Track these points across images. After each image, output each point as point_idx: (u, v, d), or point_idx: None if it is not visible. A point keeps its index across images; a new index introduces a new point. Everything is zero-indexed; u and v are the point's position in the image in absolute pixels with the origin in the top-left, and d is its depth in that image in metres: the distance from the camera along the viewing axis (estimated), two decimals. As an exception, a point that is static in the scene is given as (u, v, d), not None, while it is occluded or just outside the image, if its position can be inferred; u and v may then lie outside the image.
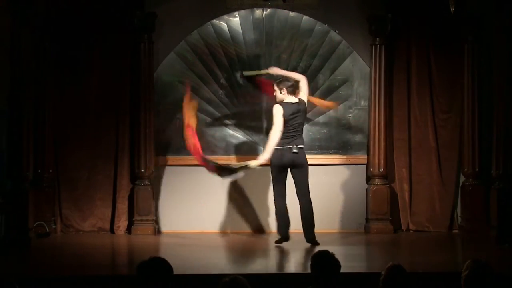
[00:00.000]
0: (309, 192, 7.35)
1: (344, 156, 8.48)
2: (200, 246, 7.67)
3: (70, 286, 5.73)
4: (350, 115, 8.54)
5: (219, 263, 6.81)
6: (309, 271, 4.19)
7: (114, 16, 8.27)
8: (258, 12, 8.48)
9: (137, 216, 8.24)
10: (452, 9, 6.86)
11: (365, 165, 8.48)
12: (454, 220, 8.48)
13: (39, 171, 8.06)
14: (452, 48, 8.40)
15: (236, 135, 8.50)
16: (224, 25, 8.46)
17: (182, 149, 8.44)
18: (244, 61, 8.45)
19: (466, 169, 8.37)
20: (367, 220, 8.43)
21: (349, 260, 6.30)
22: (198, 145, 7.37)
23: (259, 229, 8.37)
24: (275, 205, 7.42)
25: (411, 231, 8.39)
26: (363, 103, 8.52)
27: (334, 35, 8.47)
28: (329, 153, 8.43)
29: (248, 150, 8.44)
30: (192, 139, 7.35)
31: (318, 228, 8.20)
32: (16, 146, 7.51)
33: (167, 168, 8.44)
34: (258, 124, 8.47)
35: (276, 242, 7.38)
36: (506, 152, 7.73)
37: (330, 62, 8.49)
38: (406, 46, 8.44)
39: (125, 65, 8.34)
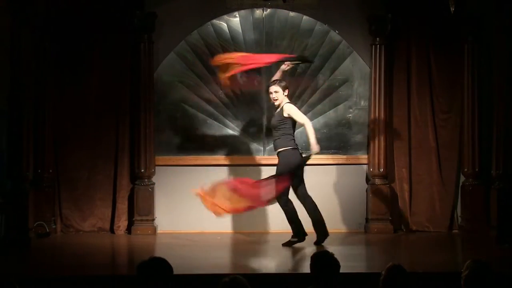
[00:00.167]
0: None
1: (344, 156, 8.48)
2: (200, 246, 7.67)
3: (70, 286, 5.73)
4: (350, 115, 8.54)
5: (219, 263, 6.81)
6: (309, 271, 4.19)
7: (114, 16, 8.27)
8: (258, 12, 8.48)
9: (137, 216, 8.25)
10: (452, 9, 6.87)
11: (365, 165, 8.48)
12: (454, 220, 8.48)
13: (39, 171, 8.07)
14: (452, 48, 8.40)
15: (236, 135, 8.49)
16: (224, 25, 8.46)
17: (182, 149, 8.45)
18: (244, 61, 8.46)
19: (466, 169, 8.37)
20: (367, 220, 8.43)
21: (349, 260, 6.30)
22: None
23: (259, 229, 8.35)
24: (312, 203, 7.38)
25: (411, 231, 8.39)
26: (363, 103, 8.52)
27: (334, 35, 8.47)
28: (329, 153, 8.43)
29: (248, 150, 8.44)
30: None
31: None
32: (16, 146, 7.51)
33: (167, 168, 8.43)
34: (258, 124, 8.47)
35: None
36: (506, 152, 7.73)
37: (330, 62, 8.49)
38: (406, 46, 8.44)
39: (125, 65, 8.34)
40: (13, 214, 7.40)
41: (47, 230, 7.99)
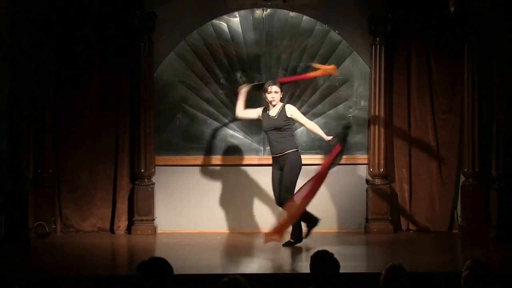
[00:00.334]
0: None
1: (344, 156, 8.44)
2: (200, 246, 7.66)
3: (70, 286, 5.73)
4: (350, 115, 8.54)
5: (219, 263, 6.82)
6: (309, 271, 4.19)
7: (114, 16, 8.27)
8: (258, 12, 8.48)
9: (137, 216, 8.25)
10: (452, 9, 6.86)
11: (365, 165, 8.48)
12: (454, 220, 8.48)
13: (39, 171, 8.07)
14: (452, 48, 8.40)
15: (236, 135, 8.49)
16: (224, 25, 8.46)
17: (182, 149, 8.45)
18: (244, 61, 8.46)
19: (466, 169, 8.37)
20: (367, 220, 8.43)
21: (349, 260, 6.30)
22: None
23: (259, 229, 8.36)
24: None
25: (411, 231, 8.39)
26: (363, 103, 8.52)
27: (334, 35, 8.47)
28: (329, 153, 8.41)
29: (248, 150, 8.44)
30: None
31: (319, 227, 8.21)
32: (16, 146, 7.51)
33: (167, 168, 8.43)
34: (258, 124, 8.46)
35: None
36: (506, 152, 7.73)
37: (330, 62, 8.46)
38: (406, 46, 8.45)
39: (125, 65, 8.34)
40: (13, 214, 7.41)
41: (47, 230, 7.99)
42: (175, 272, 3.92)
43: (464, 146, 8.38)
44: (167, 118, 8.45)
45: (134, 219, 8.26)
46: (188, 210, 8.40)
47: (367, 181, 8.49)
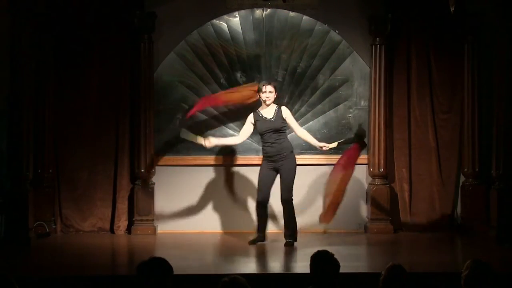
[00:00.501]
0: None
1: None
2: (200, 246, 7.67)
3: (70, 286, 5.74)
4: (350, 115, 8.53)
5: (219, 263, 6.82)
6: (309, 271, 4.19)
7: (114, 16, 8.27)
8: (258, 12, 8.48)
9: (137, 216, 8.25)
10: (452, 9, 6.86)
11: (365, 165, 8.47)
12: (454, 220, 8.47)
13: (39, 171, 8.07)
14: (452, 48, 8.40)
15: (236, 135, 8.47)
16: (224, 25, 8.46)
17: (182, 149, 8.45)
18: (244, 61, 8.46)
19: (466, 169, 8.37)
20: (367, 220, 8.43)
21: (349, 260, 6.31)
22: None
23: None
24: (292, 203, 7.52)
25: (411, 231, 8.38)
26: (363, 103, 8.52)
27: (334, 35, 8.47)
28: (329, 153, 8.41)
29: (248, 150, 8.43)
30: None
31: (319, 227, 8.23)
32: (16, 146, 7.52)
33: (167, 168, 8.43)
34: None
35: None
36: (506, 152, 7.73)
37: (330, 62, 8.48)
38: (406, 46, 8.44)
39: (125, 65, 8.34)
40: (13, 214, 7.42)
41: (47, 230, 7.99)
42: (175, 272, 3.92)
43: (464, 146, 8.38)
44: (167, 118, 8.44)
45: (134, 219, 8.26)
46: (188, 210, 8.40)
47: (367, 181, 8.49)
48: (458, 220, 8.47)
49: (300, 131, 7.67)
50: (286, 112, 7.52)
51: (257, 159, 8.39)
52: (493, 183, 7.96)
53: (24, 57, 7.54)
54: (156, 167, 8.35)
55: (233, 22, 8.46)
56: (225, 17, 8.45)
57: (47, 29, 8.10)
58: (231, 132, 8.45)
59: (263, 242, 7.48)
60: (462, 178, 8.45)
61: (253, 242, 7.46)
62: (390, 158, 8.44)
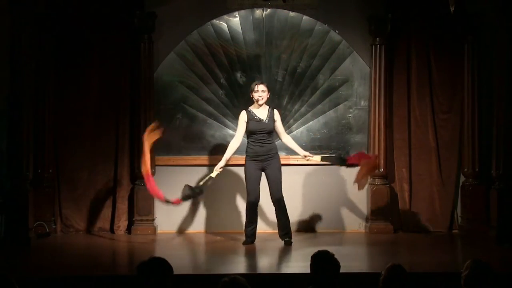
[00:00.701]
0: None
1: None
2: (200, 246, 7.66)
3: (70, 286, 5.74)
4: (350, 115, 8.54)
5: (219, 263, 6.81)
6: (309, 271, 4.19)
7: (114, 16, 8.27)
8: (258, 12, 8.48)
9: (137, 216, 8.25)
10: (452, 9, 6.86)
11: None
12: (454, 220, 8.48)
13: (39, 171, 8.07)
14: (452, 48, 8.40)
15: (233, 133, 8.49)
16: (224, 25, 8.46)
17: (182, 149, 8.46)
18: (244, 61, 8.46)
19: (466, 169, 8.37)
20: (367, 220, 8.44)
21: (349, 260, 6.30)
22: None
23: (259, 229, 8.35)
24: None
25: (411, 231, 8.38)
26: (363, 103, 8.52)
27: (334, 35, 8.47)
28: (329, 153, 8.42)
29: (248, 150, 8.43)
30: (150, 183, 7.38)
31: (319, 228, 8.24)
32: (16, 146, 7.52)
33: (167, 168, 8.43)
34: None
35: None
36: (506, 152, 7.73)
37: (330, 62, 8.49)
38: (406, 46, 8.44)
39: (125, 65, 8.35)
40: (13, 214, 7.41)
41: (47, 230, 7.99)
42: (175, 272, 3.92)
43: (464, 146, 8.38)
44: (167, 118, 8.44)
45: (134, 219, 8.26)
46: (188, 210, 8.40)
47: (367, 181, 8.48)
48: (458, 220, 8.47)
49: (286, 138, 7.70)
50: (278, 116, 7.58)
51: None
52: (493, 183, 7.96)
53: (24, 57, 7.54)
54: (156, 167, 8.35)
55: (233, 22, 8.47)
56: (225, 17, 8.45)
57: (47, 29, 8.11)
58: (231, 132, 8.45)
59: (255, 243, 7.49)
60: (462, 178, 8.45)
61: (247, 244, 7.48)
62: (390, 158, 8.44)
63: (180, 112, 8.47)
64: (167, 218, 8.40)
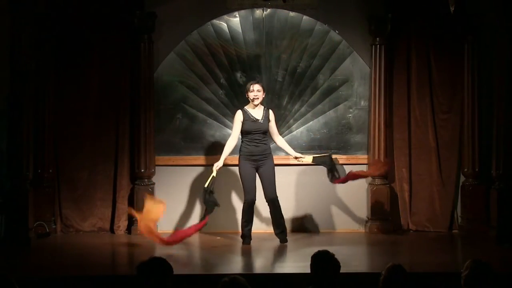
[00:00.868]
0: None
1: (344, 156, 8.47)
2: (200, 246, 7.66)
3: (70, 286, 5.74)
4: (350, 115, 8.54)
5: (219, 263, 6.81)
6: (309, 271, 4.19)
7: (114, 16, 8.27)
8: (258, 12, 8.48)
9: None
10: (452, 9, 6.86)
11: (365, 165, 8.47)
12: (454, 220, 8.47)
13: (39, 171, 8.07)
14: (452, 48, 8.40)
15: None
16: (224, 25, 8.46)
17: (182, 149, 8.46)
18: (244, 61, 8.46)
19: (466, 169, 8.37)
20: (367, 220, 8.43)
21: (349, 260, 6.30)
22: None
23: (258, 229, 8.35)
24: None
25: (411, 231, 8.39)
26: (363, 103, 8.52)
27: (334, 35, 8.47)
28: (329, 153, 8.42)
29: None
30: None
31: (319, 228, 8.23)
32: (16, 146, 7.51)
33: (167, 168, 8.43)
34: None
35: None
36: (506, 152, 7.73)
37: (330, 62, 8.49)
38: (406, 46, 8.44)
39: (125, 65, 8.34)
40: (13, 214, 7.41)
41: (47, 230, 7.99)
42: (175, 272, 3.92)
43: (464, 146, 8.38)
44: (167, 118, 8.45)
45: (134, 219, 8.25)
46: (188, 210, 8.40)
47: (367, 181, 8.48)
48: (458, 220, 8.47)
49: (279, 139, 7.72)
50: (272, 116, 7.60)
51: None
52: (493, 183, 7.96)
53: (24, 57, 7.54)
54: (156, 167, 8.35)
55: (233, 22, 8.46)
56: (225, 17, 8.45)
57: (47, 29, 8.10)
58: (230, 132, 8.43)
59: (252, 243, 7.49)
60: (462, 178, 8.45)
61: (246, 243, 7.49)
62: (390, 158, 8.43)
63: (180, 112, 8.47)
64: (167, 218, 8.39)
